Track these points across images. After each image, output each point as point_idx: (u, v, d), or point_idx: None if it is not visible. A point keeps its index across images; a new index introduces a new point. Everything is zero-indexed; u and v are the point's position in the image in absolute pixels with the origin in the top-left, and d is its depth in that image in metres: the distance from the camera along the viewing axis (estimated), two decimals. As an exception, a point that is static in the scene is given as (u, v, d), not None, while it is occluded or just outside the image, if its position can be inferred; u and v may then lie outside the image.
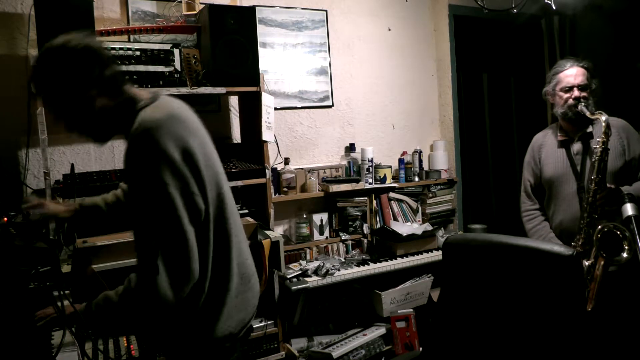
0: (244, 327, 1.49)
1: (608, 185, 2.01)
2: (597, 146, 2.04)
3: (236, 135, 3.03)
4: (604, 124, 2.03)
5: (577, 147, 2.22)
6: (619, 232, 1.79)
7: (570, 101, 2.17)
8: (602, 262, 1.88)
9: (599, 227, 1.87)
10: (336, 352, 2.70)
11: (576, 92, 2.17)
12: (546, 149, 2.32)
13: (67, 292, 1.35)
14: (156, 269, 1.20)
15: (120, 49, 2.29)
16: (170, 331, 1.41)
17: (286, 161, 3.03)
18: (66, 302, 1.33)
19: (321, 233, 3.17)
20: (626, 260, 1.79)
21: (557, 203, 2.25)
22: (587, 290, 1.94)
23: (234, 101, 3.03)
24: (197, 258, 1.27)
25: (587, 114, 2.10)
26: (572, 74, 2.20)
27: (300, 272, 2.75)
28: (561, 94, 2.22)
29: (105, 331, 1.82)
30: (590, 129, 2.19)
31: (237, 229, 1.47)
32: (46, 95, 1.31)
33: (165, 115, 1.29)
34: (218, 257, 1.38)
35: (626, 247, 1.76)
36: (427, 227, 3.28)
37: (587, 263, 1.99)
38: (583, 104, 2.13)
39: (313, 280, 2.72)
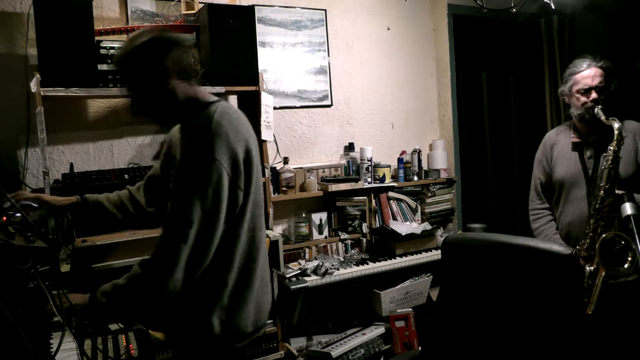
0: (257, 330, 1.57)
1: (617, 191, 1.95)
2: (608, 154, 1.98)
3: (235, 135, 3.03)
4: (616, 132, 1.97)
5: (590, 150, 2.15)
6: (623, 242, 1.77)
7: (589, 103, 2.09)
8: (604, 273, 1.87)
9: (602, 237, 1.84)
10: (335, 352, 2.71)
11: (594, 95, 2.08)
12: (558, 149, 2.26)
13: (66, 291, 1.35)
14: (185, 237, 1.28)
15: (119, 48, 2.29)
16: (190, 325, 1.44)
17: (285, 160, 3.03)
18: (64, 299, 1.33)
19: (320, 232, 3.17)
20: (626, 271, 1.78)
21: (565, 205, 2.20)
22: (588, 295, 1.93)
23: (233, 100, 3.03)
24: (216, 245, 1.35)
25: (602, 117, 2.02)
26: (589, 75, 2.12)
27: (299, 271, 2.76)
28: (578, 95, 2.14)
29: (111, 318, 1.84)
30: (605, 133, 2.05)
31: (264, 238, 1.58)
32: (133, 79, 1.43)
33: (235, 114, 1.45)
34: (246, 256, 1.46)
35: (629, 259, 1.74)
36: (426, 226, 3.28)
37: (589, 268, 1.98)
38: (600, 106, 2.05)
39: (312, 280, 2.72)
